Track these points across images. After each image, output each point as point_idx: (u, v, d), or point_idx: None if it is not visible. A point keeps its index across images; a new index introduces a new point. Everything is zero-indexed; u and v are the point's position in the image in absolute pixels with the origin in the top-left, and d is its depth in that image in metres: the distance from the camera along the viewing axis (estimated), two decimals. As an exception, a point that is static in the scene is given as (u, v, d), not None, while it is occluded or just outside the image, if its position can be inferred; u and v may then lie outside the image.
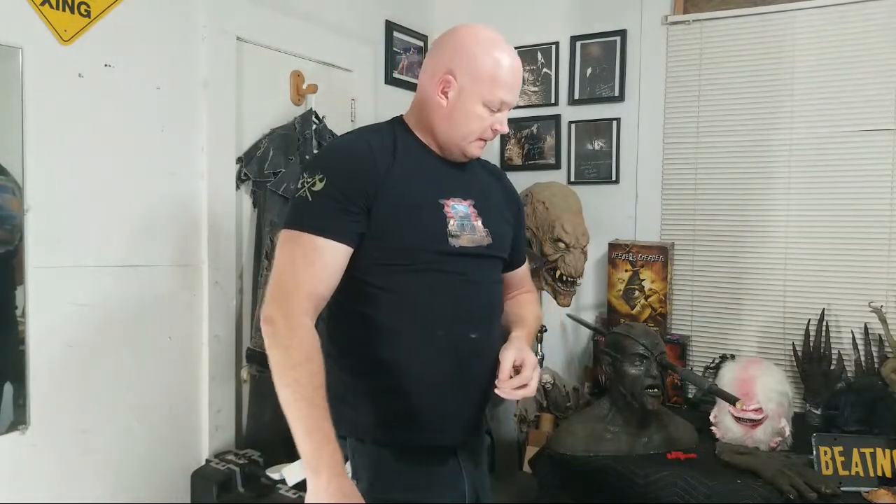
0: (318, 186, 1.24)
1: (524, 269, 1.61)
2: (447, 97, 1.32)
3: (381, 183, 1.27)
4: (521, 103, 3.01)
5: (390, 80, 2.87)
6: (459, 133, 1.34)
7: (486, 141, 1.38)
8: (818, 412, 2.24)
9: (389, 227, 1.28)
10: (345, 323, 1.34)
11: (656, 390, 1.97)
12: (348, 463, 1.31)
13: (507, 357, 1.30)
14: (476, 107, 1.32)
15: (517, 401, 2.57)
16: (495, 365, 1.31)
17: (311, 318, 1.22)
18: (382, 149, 1.32)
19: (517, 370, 1.30)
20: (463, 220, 1.33)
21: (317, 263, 1.23)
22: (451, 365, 1.32)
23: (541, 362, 2.48)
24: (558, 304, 2.49)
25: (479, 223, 1.36)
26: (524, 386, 1.28)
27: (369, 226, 1.27)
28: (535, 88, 2.98)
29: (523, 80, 2.92)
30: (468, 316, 1.34)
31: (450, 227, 1.31)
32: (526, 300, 1.58)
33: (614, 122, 2.80)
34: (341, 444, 1.31)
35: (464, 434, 1.39)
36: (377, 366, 1.30)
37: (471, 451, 1.43)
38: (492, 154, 3.03)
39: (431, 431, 1.33)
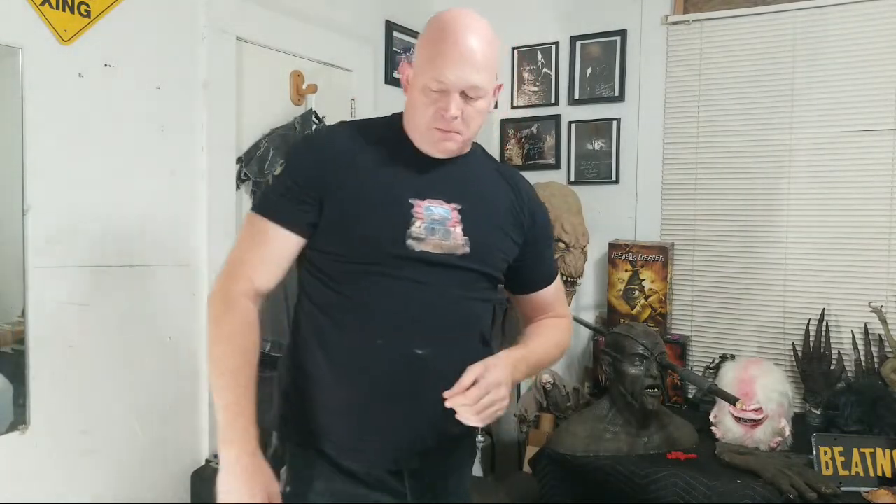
0: (277, 171, 1.25)
1: (552, 292, 1.40)
2: (407, 88, 1.24)
3: (341, 173, 1.20)
4: (521, 103, 3.01)
5: (390, 80, 2.87)
6: (413, 124, 1.22)
7: (445, 132, 1.19)
8: (818, 412, 2.24)
9: (343, 220, 1.20)
10: (300, 319, 1.28)
11: (656, 390, 1.98)
12: (284, 468, 1.26)
13: (471, 370, 1.12)
14: (420, 93, 1.18)
15: (517, 401, 2.60)
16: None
17: (249, 298, 1.19)
18: (352, 140, 1.24)
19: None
20: (435, 223, 1.20)
21: (263, 247, 1.21)
22: (388, 381, 1.18)
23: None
24: (558, 304, 2.48)
25: (458, 230, 1.21)
26: (478, 406, 1.10)
27: (324, 217, 1.20)
28: (535, 88, 2.98)
29: (523, 80, 3.00)
30: (416, 329, 1.19)
31: (412, 229, 1.18)
32: (550, 324, 1.38)
33: (614, 122, 2.80)
34: (281, 447, 1.28)
35: (408, 460, 1.23)
36: (312, 369, 1.23)
37: (427, 481, 1.26)
38: (491, 154, 3.02)
39: (356, 450, 1.21)
